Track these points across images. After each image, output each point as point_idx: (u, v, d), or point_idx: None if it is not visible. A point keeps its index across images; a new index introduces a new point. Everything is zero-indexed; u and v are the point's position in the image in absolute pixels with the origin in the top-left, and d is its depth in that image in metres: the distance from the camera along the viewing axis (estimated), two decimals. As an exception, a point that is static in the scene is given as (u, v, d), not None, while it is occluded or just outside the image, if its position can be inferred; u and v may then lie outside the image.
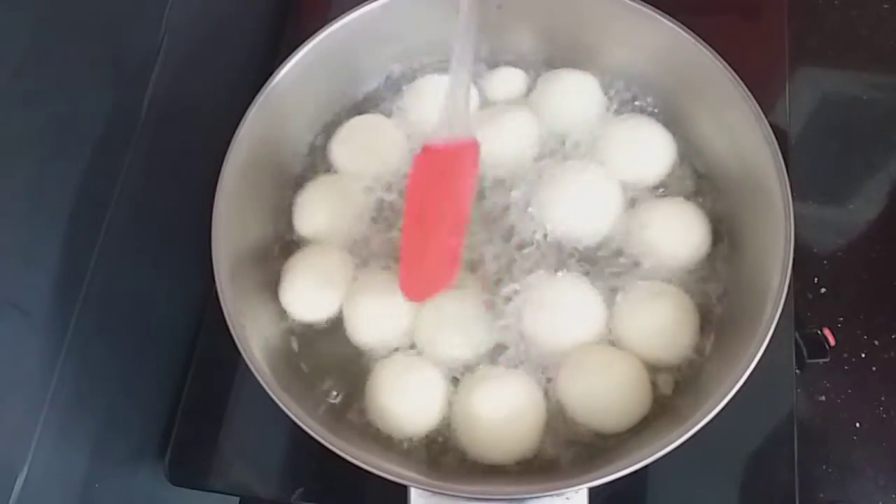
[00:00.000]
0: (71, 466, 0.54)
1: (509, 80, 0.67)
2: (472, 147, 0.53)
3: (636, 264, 0.59)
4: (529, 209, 0.61)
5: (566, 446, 0.55)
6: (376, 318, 0.58)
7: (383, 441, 0.56)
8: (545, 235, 0.60)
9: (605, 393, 0.54)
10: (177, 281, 0.66)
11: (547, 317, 0.57)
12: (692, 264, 0.59)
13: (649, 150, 0.62)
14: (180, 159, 0.63)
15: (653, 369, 0.56)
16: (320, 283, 0.59)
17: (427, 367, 0.56)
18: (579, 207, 0.60)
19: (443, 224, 0.53)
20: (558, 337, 0.57)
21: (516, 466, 0.54)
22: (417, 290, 0.54)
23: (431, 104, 0.64)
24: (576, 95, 0.64)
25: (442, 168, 0.52)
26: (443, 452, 0.55)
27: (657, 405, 0.55)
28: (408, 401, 0.55)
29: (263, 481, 0.63)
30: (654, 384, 0.56)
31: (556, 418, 0.55)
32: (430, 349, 0.57)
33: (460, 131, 0.53)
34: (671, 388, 0.56)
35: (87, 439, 0.55)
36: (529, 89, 0.67)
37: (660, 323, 0.56)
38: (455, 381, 0.57)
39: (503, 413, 0.54)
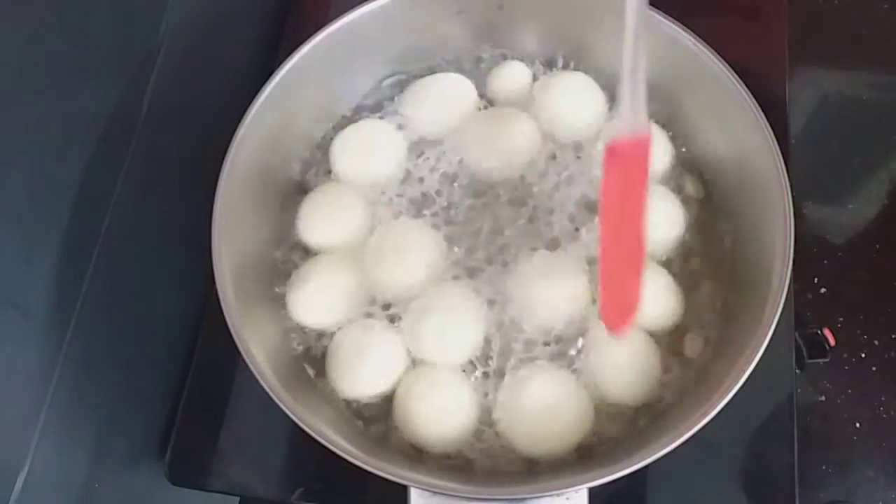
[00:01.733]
0: (71, 466, 0.54)
1: (514, 75, 0.66)
2: (649, 139, 0.48)
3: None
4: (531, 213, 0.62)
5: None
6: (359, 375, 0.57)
7: (387, 439, 0.56)
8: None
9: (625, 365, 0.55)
10: (177, 281, 0.66)
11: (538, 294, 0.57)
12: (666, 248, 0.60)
13: None
14: (180, 159, 0.63)
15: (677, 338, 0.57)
16: (333, 295, 0.59)
17: (455, 376, 0.56)
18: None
19: (631, 233, 0.48)
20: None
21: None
22: (619, 318, 0.49)
23: (431, 106, 0.65)
24: (576, 97, 0.64)
25: (628, 171, 0.47)
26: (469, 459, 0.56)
27: (658, 403, 0.56)
28: (439, 410, 0.55)
29: (263, 481, 0.63)
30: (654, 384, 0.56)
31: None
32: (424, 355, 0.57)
33: (641, 124, 0.47)
34: (697, 353, 0.57)
35: (87, 439, 0.55)
36: (533, 85, 0.66)
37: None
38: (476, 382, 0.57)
39: (550, 407, 0.54)
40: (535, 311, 0.58)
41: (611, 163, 0.47)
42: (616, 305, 0.50)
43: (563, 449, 0.54)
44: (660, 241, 0.59)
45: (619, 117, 0.47)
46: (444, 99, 0.65)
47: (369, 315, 0.59)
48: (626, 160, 0.47)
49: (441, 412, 0.55)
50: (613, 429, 0.55)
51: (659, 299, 0.57)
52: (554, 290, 0.57)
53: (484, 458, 0.55)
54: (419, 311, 0.57)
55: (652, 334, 0.57)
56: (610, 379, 0.55)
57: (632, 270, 0.49)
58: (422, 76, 0.67)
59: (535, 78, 0.67)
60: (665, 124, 0.63)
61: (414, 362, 0.57)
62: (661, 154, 0.62)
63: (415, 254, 0.59)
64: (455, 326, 0.56)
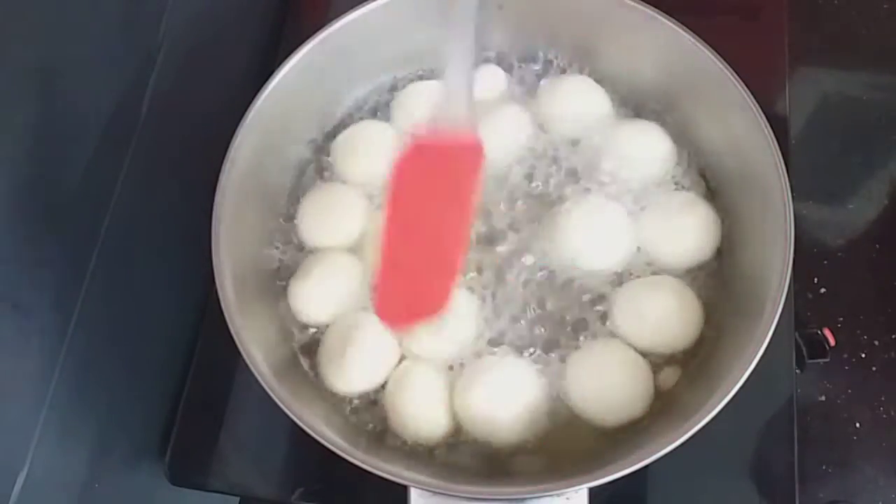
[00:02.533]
0: (71, 466, 0.54)
1: (489, 78, 0.66)
2: (474, 146, 0.45)
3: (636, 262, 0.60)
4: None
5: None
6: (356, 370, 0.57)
7: (386, 438, 0.56)
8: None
9: (607, 388, 0.55)
10: (177, 281, 0.66)
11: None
12: (695, 263, 0.59)
13: (649, 155, 0.62)
14: (180, 159, 0.63)
15: (656, 365, 0.57)
16: (335, 292, 0.59)
17: (427, 371, 0.56)
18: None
19: (437, 235, 0.45)
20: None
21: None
22: (400, 314, 0.46)
23: (419, 112, 0.64)
24: (581, 101, 0.64)
25: (435, 167, 0.45)
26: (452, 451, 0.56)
27: (658, 403, 0.56)
28: (426, 406, 0.55)
29: (263, 481, 0.63)
30: (656, 381, 0.56)
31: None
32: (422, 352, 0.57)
33: (460, 124, 0.45)
34: (673, 384, 0.56)
35: (87, 439, 0.55)
36: (515, 86, 0.67)
37: (661, 313, 0.56)
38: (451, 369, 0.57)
39: (506, 399, 0.54)
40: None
41: (410, 155, 0.45)
42: (396, 301, 0.46)
43: (512, 441, 0.54)
44: (692, 255, 0.59)
45: (437, 109, 0.45)
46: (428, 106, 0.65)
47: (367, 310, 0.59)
48: (430, 158, 0.45)
49: (428, 407, 0.55)
50: (599, 435, 0.55)
51: (683, 317, 0.57)
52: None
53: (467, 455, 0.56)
54: None
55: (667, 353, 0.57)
56: (585, 398, 0.55)
57: (438, 271, 0.46)
58: (421, 77, 0.67)
59: (517, 78, 0.67)
60: (665, 125, 0.63)
61: (404, 357, 0.58)
62: (662, 159, 0.62)
63: None
64: (448, 323, 0.56)
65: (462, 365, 0.57)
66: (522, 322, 0.59)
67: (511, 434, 0.54)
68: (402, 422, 0.55)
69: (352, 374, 0.56)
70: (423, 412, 0.55)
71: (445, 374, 0.57)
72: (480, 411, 0.54)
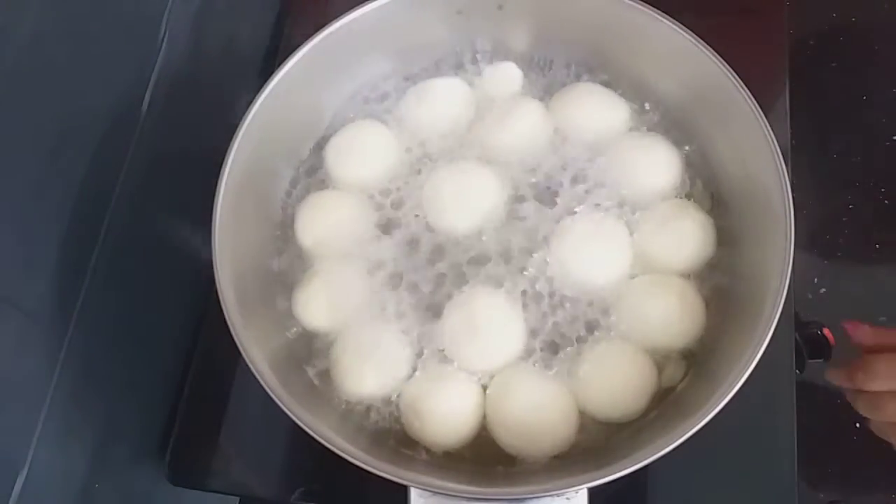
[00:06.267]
0: (71, 466, 0.54)
1: (506, 75, 0.66)
2: None
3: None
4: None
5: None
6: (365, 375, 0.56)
7: (387, 439, 0.56)
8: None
9: (615, 385, 0.55)
10: (177, 281, 0.66)
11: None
12: (691, 266, 0.59)
13: (655, 168, 0.62)
14: (180, 159, 0.63)
15: (659, 363, 0.57)
16: (337, 297, 0.59)
17: (463, 377, 0.56)
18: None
19: None
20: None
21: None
22: None
23: (429, 109, 0.65)
24: (591, 109, 0.64)
25: None
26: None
27: (662, 401, 0.56)
28: (444, 411, 0.55)
29: (263, 481, 0.63)
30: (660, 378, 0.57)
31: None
32: (460, 358, 0.57)
33: None
34: (678, 381, 0.56)
35: (87, 439, 0.55)
36: (525, 83, 0.67)
37: (664, 311, 0.56)
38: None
39: (536, 411, 0.54)
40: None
41: None
42: None
43: (545, 451, 0.54)
44: (688, 259, 0.59)
45: None
46: (440, 104, 0.65)
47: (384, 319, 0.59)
48: None
49: (451, 411, 0.55)
50: (600, 434, 0.55)
51: (686, 315, 0.57)
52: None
53: (481, 455, 0.55)
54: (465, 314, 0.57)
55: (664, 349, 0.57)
56: (595, 395, 0.56)
57: None
58: (420, 77, 0.67)
59: (526, 76, 0.67)
60: (666, 125, 0.63)
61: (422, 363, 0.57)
62: (668, 172, 0.62)
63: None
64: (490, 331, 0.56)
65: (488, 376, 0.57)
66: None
67: (548, 447, 0.54)
68: (423, 427, 0.55)
69: (367, 381, 0.56)
70: (450, 420, 0.55)
71: (475, 383, 0.56)
72: (520, 425, 0.54)
